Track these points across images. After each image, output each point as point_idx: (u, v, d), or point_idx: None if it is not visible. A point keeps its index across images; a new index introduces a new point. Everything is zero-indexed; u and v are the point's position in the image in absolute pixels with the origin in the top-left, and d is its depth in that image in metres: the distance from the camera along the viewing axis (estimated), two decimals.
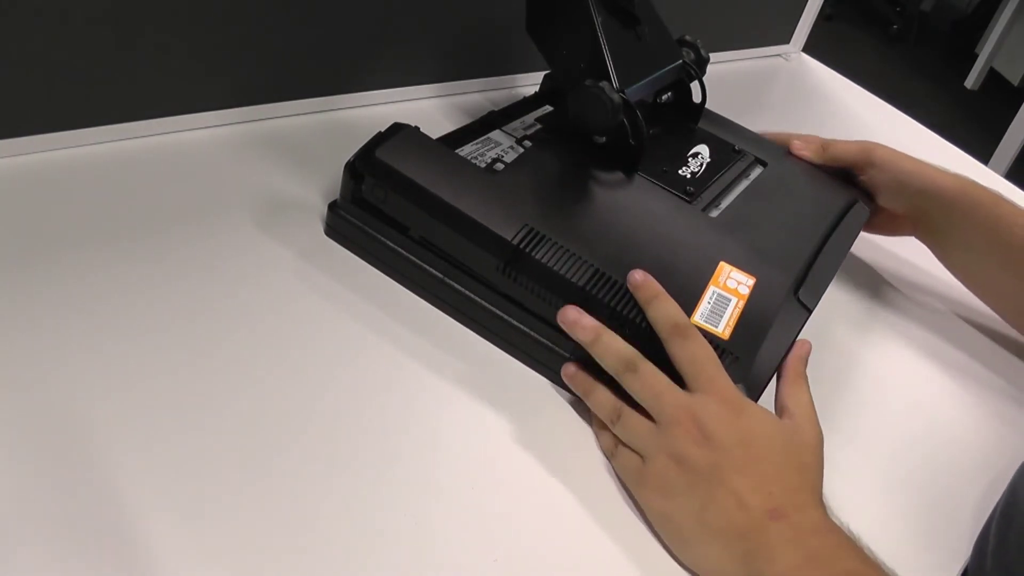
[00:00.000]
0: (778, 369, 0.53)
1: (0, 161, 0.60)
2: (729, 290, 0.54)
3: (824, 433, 0.51)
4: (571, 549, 0.46)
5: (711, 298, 0.53)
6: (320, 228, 0.63)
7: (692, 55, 0.71)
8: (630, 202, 0.60)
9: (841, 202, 0.67)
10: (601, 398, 0.52)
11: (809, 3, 1.21)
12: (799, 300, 0.55)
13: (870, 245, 0.80)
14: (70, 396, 0.46)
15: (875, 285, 0.75)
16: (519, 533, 0.46)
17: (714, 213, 0.61)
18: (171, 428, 0.46)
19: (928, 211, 0.69)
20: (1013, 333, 0.72)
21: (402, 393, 0.53)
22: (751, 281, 0.55)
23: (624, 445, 0.50)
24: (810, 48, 1.27)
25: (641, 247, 0.55)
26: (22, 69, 0.58)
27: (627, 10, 0.65)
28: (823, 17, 1.31)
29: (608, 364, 0.51)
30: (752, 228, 0.60)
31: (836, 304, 0.71)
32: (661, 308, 0.51)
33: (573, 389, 0.54)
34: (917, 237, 0.73)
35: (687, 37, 0.71)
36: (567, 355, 0.54)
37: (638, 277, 0.52)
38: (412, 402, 0.52)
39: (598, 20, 0.61)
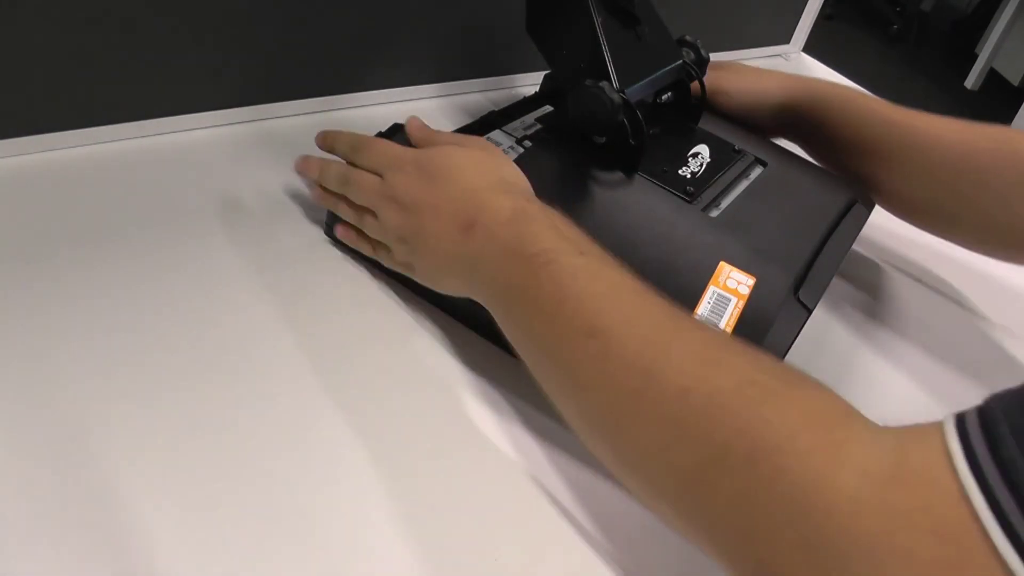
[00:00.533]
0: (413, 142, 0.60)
1: (0, 161, 0.60)
2: (729, 290, 0.54)
3: None
4: (571, 549, 0.46)
5: (711, 298, 0.53)
6: (320, 228, 0.63)
7: (692, 55, 0.71)
8: (630, 202, 0.60)
9: (841, 202, 0.67)
10: (332, 169, 0.59)
11: (809, 3, 1.21)
12: (799, 300, 0.55)
13: (871, 245, 0.80)
14: (70, 394, 0.46)
15: (875, 285, 0.75)
16: (519, 533, 0.46)
17: (714, 213, 0.61)
18: (169, 426, 0.46)
19: (785, 120, 0.74)
20: (1019, 331, 0.72)
21: (402, 394, 0.53)
22: (751, 281, 0.55)
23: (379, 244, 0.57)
24: (810, 48, 1.27)
25: (641, 247, 0.55)
26: (22, 69, 0.58)
27: (627, 10, 0.65)
28: (823, 17, 1.31)
29: (343, 154, 0.60)
30: (752, 228, 0.60)
31: (836, 304, 0.71)
32: (341, 144, 0.60)
33: (306, 175, 0.62)
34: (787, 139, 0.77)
35: (687, 37, 0.71)
36: None
37: (318, 138, 0.62)
38: (413, 403, 0.52)
39: (598, 20, 0.61)
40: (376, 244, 0.58)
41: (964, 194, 0.67)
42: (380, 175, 0.55)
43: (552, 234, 0.48)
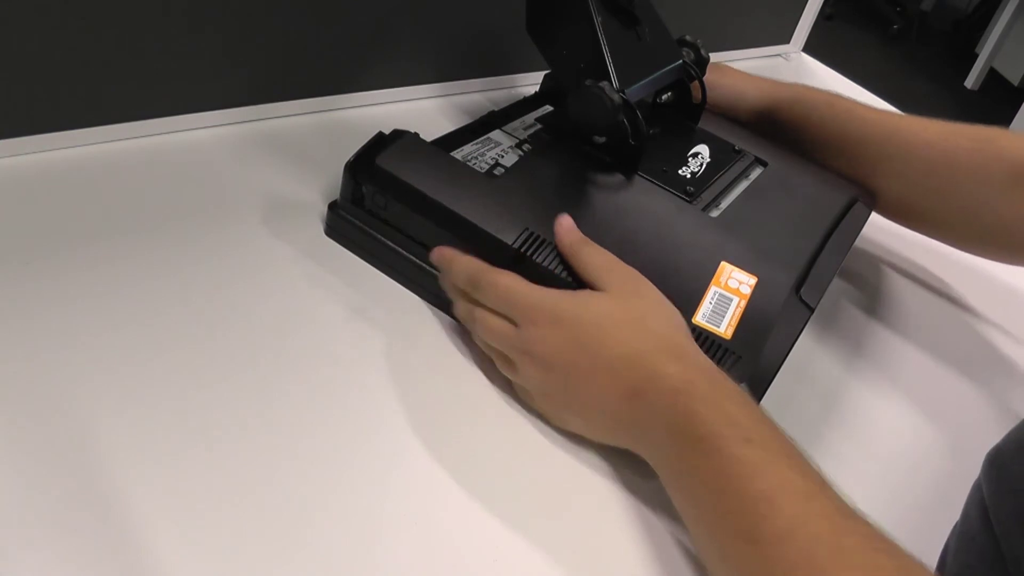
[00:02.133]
0: (560, 253, 0.54)
1: (0, 161, 0.60)
2: (731, 290, 0.54)
3: (826, 430, 0.50)
4: (571, 549, 0.46)
5: (713, 298, 0.53)
6: (320, 228, 0.63)
7: (692, 55, 0.71)
8: (630, 202, 0.60)
9: (842, 201, 0.67)
10: (461, 305, 0.55)
11: (809, 3, 1.21)
12: (801, 299, 0.55)
13: (872, 244, 0.80)
14: (70, 394, 0.46)
15: (877, 283, 0.75)
16: (519, 533, 0.46)
17: (714, 213, 0.61)
18: (171, 427, 0.46)
19: (766, 122, 0.75)
20: (1018, 332, 0.72)
21: (401, 392, 0.52)
22: (752, 281, 0.55)
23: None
24: (810, 48, 1.27)
25: (642, 248, 0.55)
26: (22, 69, 0.58)
27: (627, 10, 0.65)
28: (823, 17, 1.31)
29: (462, 287, 0.54)
30: (753, 228, 0.60)
31: (838, 303, 0.71)
32: (457, 269, 0.54)
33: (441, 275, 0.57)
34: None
35: (687, 37, 0.71)
36: None
37: (435, 255, 0.56)
38: (411, 401, 0.52)
39: (598, 20, 0.61)
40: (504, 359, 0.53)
41: (947, 194, 0.67)
42: (512, 321, 0.51)
43: (718, 416, 0.44)
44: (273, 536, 0.43)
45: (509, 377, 0.53)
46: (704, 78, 0.70)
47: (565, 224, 0.54)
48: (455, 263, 0.54)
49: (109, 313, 0.52)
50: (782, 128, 0.73)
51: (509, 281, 0.51)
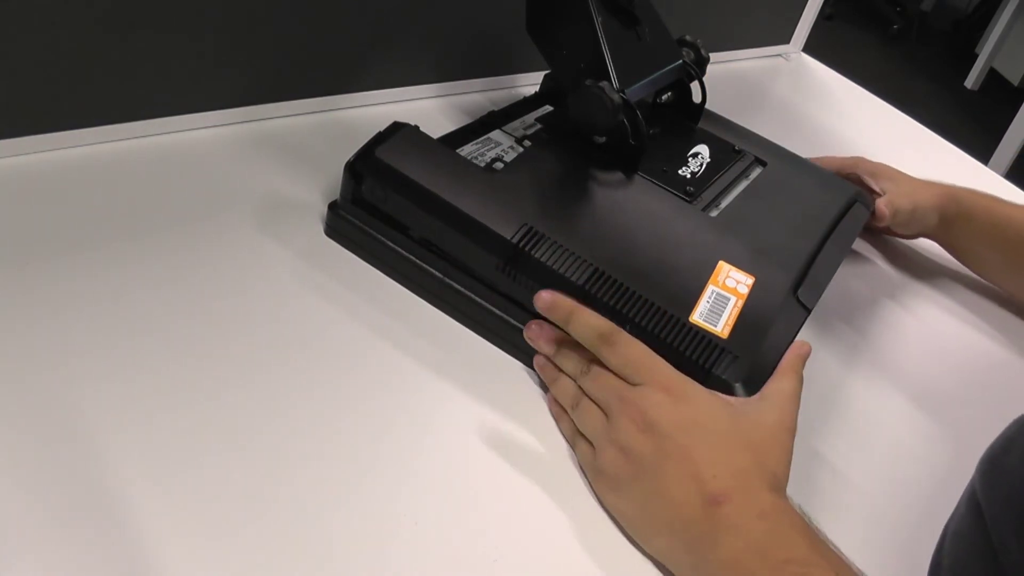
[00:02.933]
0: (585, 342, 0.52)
1: (0, 161, 0.60)
2: (728, 289, 0.54)
3: (822, 430, 0.50)
4: (571, 549, 0.46)
5: (710, 297, 0.53)
6: (320, 228, 0.63)
7: (692, 55, 0.71)
8: (630, 202, 0.60)
9: (841, 201, 0.67)
10: (563, 386, 0.53)
11: (809, 3, 1.21)
12: (798, 299, 0.56)
13: (871, 244, 0.80)
14: (69, 394, 0.46)
15: (876, 284, 0.75)
16: (519, 533, 0.46)
17: (714, 213, 0.61)
18: (170, 427, 0.46)
19: (927, 228, 0.76)
20: (1015, 332, 0.72)
21: (402, 393, 0.53)
22: (750, 280, 0.55)
23: (581, 435, 0.51)
24: (810, 48, 1.27)
25: (640, 246, 0.56)
26: (22, 69, 0.58)
27: (627, 10, 0.65)
28: (823, 17, 1.31)
29: (585, 339, 0.51)
30: (752, 227, 0.60)
31: (836, 303, 0.71)
32: (581, 322, 0.51)
33: (540, 375, 0.55)
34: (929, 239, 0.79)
35: (687, 37, 0.71)
36: None
37: (546, 297, 0.53)
38: (412, 402, 0.52)
39: (598, 20, 0.61)
40: (578, 433, 0.51)
41: None
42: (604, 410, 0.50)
43: (807, 544, 0.43)
44: (273, 536, 0.43)
45: (581, 457, 0.51)
46: (879, 187, 0.74)
47: (562, 303, 0.52)
48: (579, 314, 0.52)
49: (108, 314, 0.52)
50: (944, 234, 0.77)
51: (642, 346, 0.50)
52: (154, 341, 0.51)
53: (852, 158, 0.78)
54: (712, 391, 0.49)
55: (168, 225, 0.60)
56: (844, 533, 0.48)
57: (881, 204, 0.73)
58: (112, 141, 0.65)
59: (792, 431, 0.49)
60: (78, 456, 0.44)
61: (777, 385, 0.51)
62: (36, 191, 0.59)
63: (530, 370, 0.56)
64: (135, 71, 0.63)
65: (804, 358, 0.54)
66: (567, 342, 0.53)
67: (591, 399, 0.51)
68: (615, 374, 0.50)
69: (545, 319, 0.54)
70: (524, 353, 0.56)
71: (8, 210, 0.57)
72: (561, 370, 0.53)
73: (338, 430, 0.49)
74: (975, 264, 0.77)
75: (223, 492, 0.44)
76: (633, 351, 0.50)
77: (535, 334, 0.54)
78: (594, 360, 0.51)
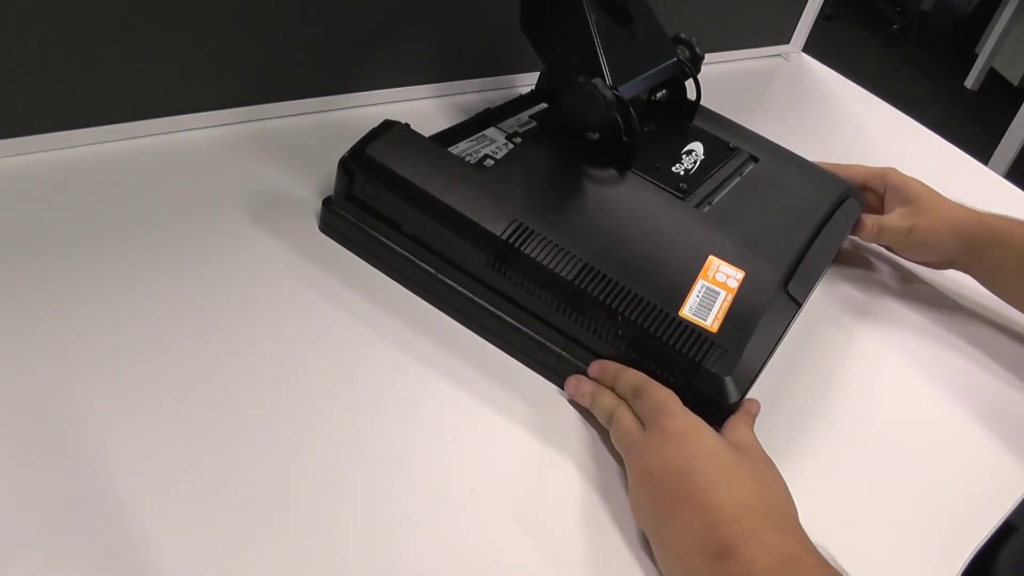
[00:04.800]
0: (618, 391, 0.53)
1: (0, 161, 0.61)
2: (718, 283, 0.54)
3: (811, 429, 0.50)
4: (571, 549, 0.47)
5: (700, 291, 0.53)
6: (315, 224, 0.63)
7: (687, 52, 0.71)
8: (622, 198, 0.61)
9: (833, 196, 0.67)
10: (605, 401, 0.53)
11: (809, 3, 1.22)
12: (788, 294, 0.56)
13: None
14: (67, 394, 0.47)
15: (868, 279, 0.75)
16: (519, 532, 0.47)
17: (707, 210, 0.62)
18: (166, 426, 0.47)
19: (950, 256, 0.71)
20: (1007, 326, 0.72)
21: (396, 389, 0.53)
22: (740, 275, 0.55)
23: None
24: (810, 48, 1.27)
25: (630, 242, 0.56)
26: (22, 69, 0.58)
27: (621, 8, 0.65)
28: (823, 17, 1.31)
29: (625, 395, 0.52)
30: (743, 222, 0.61)
31: (828, 298, 0.71)
32: (623, 381, 0.52)
33: (580, 402, 0.55)
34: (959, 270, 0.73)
35: (682, 35, 0.72)
36: (559, 350, 0.55)
37: (595, 368, 0.54)
38: (406, 398, 0.53)
39: (592, 17, 0.62)
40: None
41: None
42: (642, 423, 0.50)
43: None
44: (273, 535, 0.43)
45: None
46: (912, 215, 0.70)
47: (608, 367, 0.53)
48: (625, 375, 0.52)
49: (106, 312, 0.52)
50: (974, 261, 0.71)
51: (667, 393, 0.50)
52: (152, 338, 0.51)
53: (883, 169, 0.75)
54: (713, 430, 0.48)
55: (165, 222, 0.60)
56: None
57: (864, 217, 0.71)
58: (112, 141, 0.66)
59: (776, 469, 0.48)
60: (75, 451, 0.44)
61: (741, 433, 0.50)
62: (36, 191, 0.60)
63: (522, 366, 0.57)
64: (135, 71, 0.64)
65: (755, 417, 0.53)
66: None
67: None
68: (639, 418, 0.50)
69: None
70: (515, 349, 0.57)
71: (8, 210, 0.57)
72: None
73: (331, 425, 0.49)
74: (1010, 296, 0.71)
75: (219, 490, 0.45)
76: (654, 397, 0.50)
77: (573, 388, 0.54)
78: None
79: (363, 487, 0.47)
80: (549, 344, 0.55)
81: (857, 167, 0.76)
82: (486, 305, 0.56)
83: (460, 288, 0.57)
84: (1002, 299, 0.72)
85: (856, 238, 0.73)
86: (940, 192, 0.72)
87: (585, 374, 0.54)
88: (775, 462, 0.48)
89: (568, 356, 0.55)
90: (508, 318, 0.56)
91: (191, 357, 0.51)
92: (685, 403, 0.50)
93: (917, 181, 0.73)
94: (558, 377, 0.56)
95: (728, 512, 0.43)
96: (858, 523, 0.53)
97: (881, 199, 0.74)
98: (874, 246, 0.78)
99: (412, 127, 0.61)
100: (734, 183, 0.66)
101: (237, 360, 0.52)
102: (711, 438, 0.47)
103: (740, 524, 0.42)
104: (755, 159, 0.70)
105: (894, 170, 0.74)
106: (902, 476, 0.57)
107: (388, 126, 0.60)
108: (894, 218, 0.71)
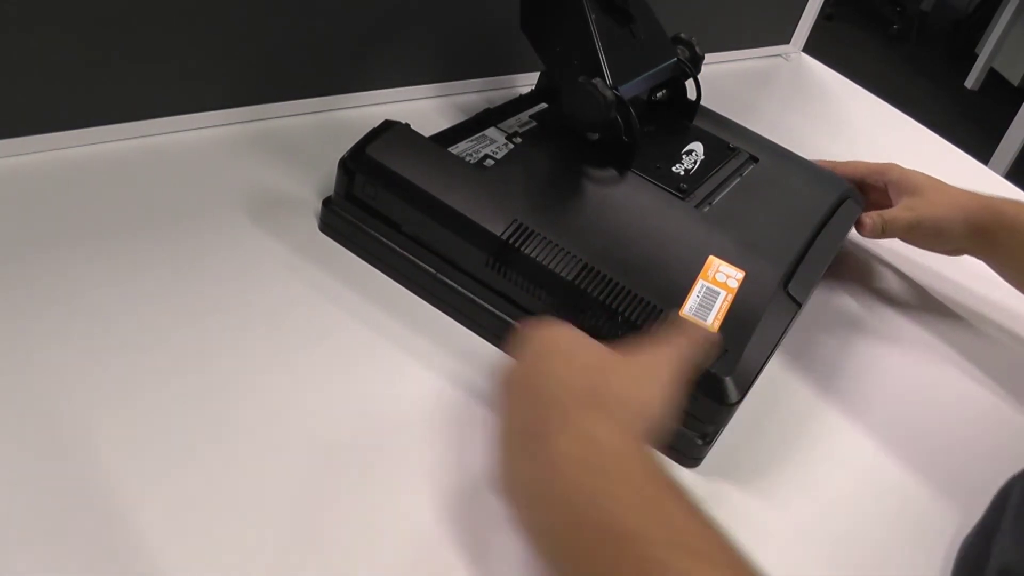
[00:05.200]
0: None
1: (0, 161, 0.61)
2: (718, 283, 0.54)
3: (810, 429, 0.50)
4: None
5: (700, 291, 0.53)
6: (315, 224, 0.63)
7: (687, 53, 0.71)
8: (622, 198, 0.61)
9: (833, 196, 0.67)
10: None
11: (809, 3, 1.22)
12: (789, 294, 0.56)
13: (864, 239, 0.80)
14: (68, 390, 0.47)
15: (868, 279, 0.75)
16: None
17: (707, 210, 0.62)
18: (166, 422, 0.47)
19: (960, 243, 0.71)
20: (1008, 327, 0.72)
21: (395, 388, 0.53)
22: (740, 275, 0.55)
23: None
24: (810, 48, 1.27)
25: (630, 242, 0.56)
26: (22, 69, 0.58)
27: (621, 8, 0.65)
28: (823, 17, 1.31)
29: None
30: (743, 222, 0.61)
31: (829, 298, 0.71)
32: None
33: None
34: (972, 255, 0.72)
35: (682, 35, 0.72)
36: None
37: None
38: (405, 397, 0.53)
39: (592, 17, 0.62)
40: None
41: None
42: None
43: (640, 503, 0.36)
44: (270, 535, 0.43)
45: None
46: (920, 196, 0.70)
47: None
48: None
49: (106, 312, 0.52)
50: (984, 247, 0.71)
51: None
52: (152, 339, 0.51)
53: (884, 164, 0.75)
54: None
55: (165, 222, 0.60)
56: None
57: (864, 216, 0.70)
58: (112, 141, 0.66)
59: (662, 384, 0.44)
60: (75, 449, 0.44)
61: (639, 348, 0.45)
62: (36, 191, 0.60)
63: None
64: (135, 71, 0.64)
65: (703, 343, 0.49)
66: None
67: None
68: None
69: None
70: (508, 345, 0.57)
71: (8, 210, 0.57)
72: None
73: (330, 424, 0.50)
74: (1021, 281, 0.71)
75: (217, 489, 0.45)
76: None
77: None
78: None
79: (361, 486, 0.47)
80: None
81: (856, 163, 0.76)
82: (486, 305, 0.56)
83: (460, 288, 0.57)
84: (1013, 285, 0.71)
85: (860, 236, 0.73)
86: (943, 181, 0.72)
87: None
88: (774, 461, 0.48)
89: None
90: (508, 318, 0.56)
91: (191, 357, 0.51)
92: (685, 402, 0.50)
93: (919, 172, 0.73)
94: None
95: (557, 395, 0.41)
96: (858, 522, 0.53)
97: (884, 194, 0.74)
98: (874, 244, 0.78)
99: (412, 127, 0.61)
100: (734, 183, 0.66)
101: (237, 360, 0.52)
102: (571, 337, 0.45)
103: (557, 407, 0.40)
104: (755, 159, 0.70)
105: (895, 165, 0.74)
106: (902, 475, 0.57)
107: (388, 126, 0.60)
108: (899, 211, 0.70)
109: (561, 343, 0.44)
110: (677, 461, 0.54)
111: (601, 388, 0.41)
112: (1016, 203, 0.69)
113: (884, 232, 0.70)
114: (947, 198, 0.71)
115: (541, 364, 0.43)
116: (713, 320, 0.52)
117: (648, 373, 0.44)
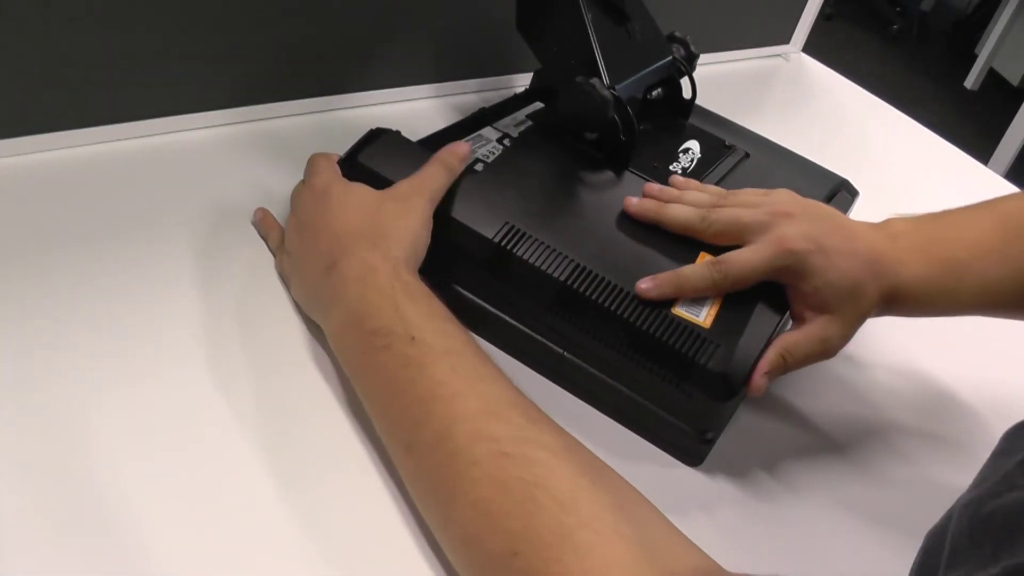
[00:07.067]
0: None
1: (0, 161, 0.61)
2: None
3: (804, 426, 0.50)
4: None
5: None
6: None
7: (682, 51, 0.72)
8: (618, 198, 0.61)
9: (825, 188, 0.67)
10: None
11: (809, 3, 1.21)
12: (781, 289, 0.56)
13: None
14: (68, 389, 0.47)
15: None
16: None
17: None
18: (165, 422, 0.47)
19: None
20: (1006, 323, 0.72)
21: None
22: None
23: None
24: (810, 48, 1.27)
25: (623, 240, 0.56)
26: (22, 69, 0.58)
27: (617, 7, 0.65)
28: (823, 17, 1.31)
29: None
30: None
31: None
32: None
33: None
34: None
35: (676, 33, 0.72)
36: (558, 350, 0.55)
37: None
38: None
39: (588, 17, 0.62)
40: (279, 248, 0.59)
41: None
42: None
43: (390, 310, 0.47)
44: (269, 534, 0.44)
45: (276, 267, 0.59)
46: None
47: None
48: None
49: (106, 312, 0.52)
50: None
51: (322, 158, 0.58)
52: (151, 337, 0.52)
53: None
54: (336, 180, 0.56)
55: (165, 222, 0.60)
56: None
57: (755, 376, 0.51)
58: (112, 141, 0.66)
59: (416, 212, 0.53)
60: (75, 447, 0.45)
61: (400, 187, 0.55)
62: (36, 191, 0.60)
63: (522, 366, 0.57)
64: (135, 71, 0.64)
65: (460, 157, 0.57)
66: None
67: None
68: None
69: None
70: (512, 348, 0.57)
71: (8, 210, 0.58)
72: None
73: (331, 423, 0.50)
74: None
75: (215, 488, 0.45)
76: (312, 163, 0.58)
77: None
78: None
79: (361, 486, 0.47)
80: (547, 343, 0.55)
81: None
82: (485, 305, 0.57)
83: (458, 288, 0.57)
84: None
85: None
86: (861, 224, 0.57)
87: (585, 374, 0.55)
88: (772, 461, 0.48)
89: (569, 356, 0.55)
90: (507, 317, 0.56)
91: (190, 356, 0.51)
92: (678, 399, 0.51)
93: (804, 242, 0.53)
94: (558, 376, 0.56)
95: (341, 234, 0.51)
96: (857, 522, 0.53)
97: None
98: None
99: (402, 133, 0.61)
100: (729, 180, 0.66)
101: (237, 360, 0.52)
102: (344, 186, 0.55)
103: (342, 243, 0.50)
104: (748, 155, 0.70)
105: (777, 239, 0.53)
106: (901, 475, 0.57)
107: (378, 133, 0.61)
108: (798, 335, 0.53)
109: (333, 191, 0.54)
110: (679, 459, 0.54)
111: (367, 224, 0.51)
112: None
113: (788, 368, 0.52)
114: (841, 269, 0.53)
115: (321, 209, 0.53)
116: (706, 316, 0.52)
117: (406, 206, 0.53)
